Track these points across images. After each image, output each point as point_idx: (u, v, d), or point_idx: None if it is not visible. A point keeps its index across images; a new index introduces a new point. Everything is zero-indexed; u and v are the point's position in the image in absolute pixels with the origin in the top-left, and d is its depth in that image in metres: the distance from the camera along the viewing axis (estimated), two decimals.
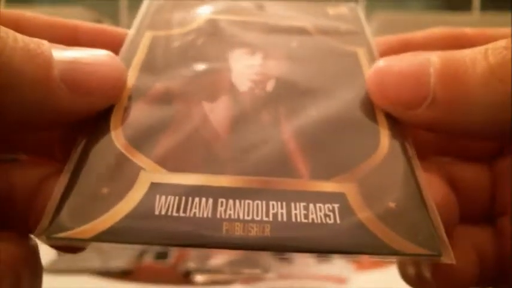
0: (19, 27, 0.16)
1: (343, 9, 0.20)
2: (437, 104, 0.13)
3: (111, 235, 0.12)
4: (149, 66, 0.16)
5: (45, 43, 0.13)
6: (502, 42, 0.13)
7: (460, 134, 0.15)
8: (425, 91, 0.13)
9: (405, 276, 0.17)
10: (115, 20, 1.01)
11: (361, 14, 0.20)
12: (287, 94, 0.16)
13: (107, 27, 0.17)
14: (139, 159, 0.13)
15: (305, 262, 0.37)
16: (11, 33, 0.13)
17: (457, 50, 0.14)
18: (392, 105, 0.14)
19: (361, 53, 0.18)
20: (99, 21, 0.81)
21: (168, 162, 0.13)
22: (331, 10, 0.20)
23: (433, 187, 0.14)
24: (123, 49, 0.17)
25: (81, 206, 0.12)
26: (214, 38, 0.18)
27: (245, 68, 0.16)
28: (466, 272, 0.16)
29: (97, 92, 0.14)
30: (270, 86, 0.16)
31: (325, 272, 0.36)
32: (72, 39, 0.16)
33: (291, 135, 0.14)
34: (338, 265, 0.37)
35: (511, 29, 0.17)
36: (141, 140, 0.14)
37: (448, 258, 0.12)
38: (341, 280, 0.36)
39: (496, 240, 0.17)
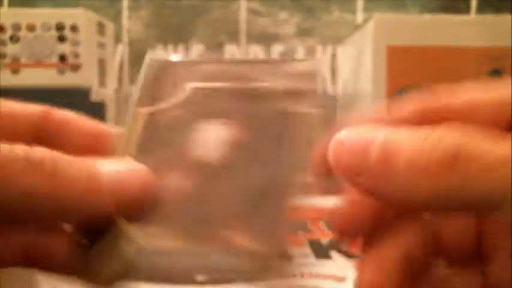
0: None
1: (309, 65, 0.23)
2: (373, 175, 0.17)
3: None
4: (143, 152, 0.20)
5: (90, 161, 0.18)
6: (423, 136, 0.16)
7: (388, 203, 0.18)
8: (366, 164, 0.17)
9: None
10: (117, 22, 1.01)
11: (325, 70, 0.22)
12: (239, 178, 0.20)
13: (76, 118, 0.21)
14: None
15: (304, 261, 0.38)
16: (66, 160, 0.17)
17: (399, 131, 0.17)
18: (344, 173, 0.18)
19: (316, 117, 0.21)
20: (100, 23, 0.81)
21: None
22: (300, 66, 0.24)
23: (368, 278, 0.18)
24: (126, 128, 0.21)
25: None
26: (196, 112, 0.22)
27: (214, 140, 0.20)
28: None
29: (134, 200, 0.18)
30: (228, 159, 0.20)
31: (324, 270, 0.37)
32: (41, 127, 0.20)
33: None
34: (338, 264, 0.38)
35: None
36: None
37: None
38: (341, 279, 0.37)
39: (483, 285, 0.19)
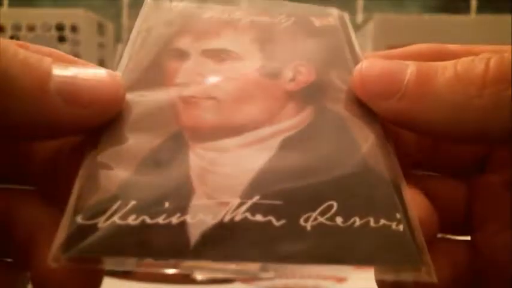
0: None
1: (330, 19, 0.20)
2: (407, 97, 0.15)
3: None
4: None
5: (47, 60, 0.15)
6: (471, 57, 0.15)
7: (423, 130, 0.17)
8: (399, 86, 0.16)
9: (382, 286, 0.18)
10: (117, 22, 1.01)
11: (348, 22, 0.20)
12: None
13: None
14: None
15: None
16: (12, 47, 0.14)
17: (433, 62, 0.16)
18: (371, 96, 0.16)
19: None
20: (100, 23, 0.81)
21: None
22: (317, 21, 0.20)
23: (416, 203, 0.16)
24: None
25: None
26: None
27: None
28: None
29: (93, 106, 0.15)
30: None
31: (325, 271, 0.37)
32: None
33: None
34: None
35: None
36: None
37: (430, 276, 0.14)
38: (341, 279, 0.37)
39: (471, 254, 0.18)
